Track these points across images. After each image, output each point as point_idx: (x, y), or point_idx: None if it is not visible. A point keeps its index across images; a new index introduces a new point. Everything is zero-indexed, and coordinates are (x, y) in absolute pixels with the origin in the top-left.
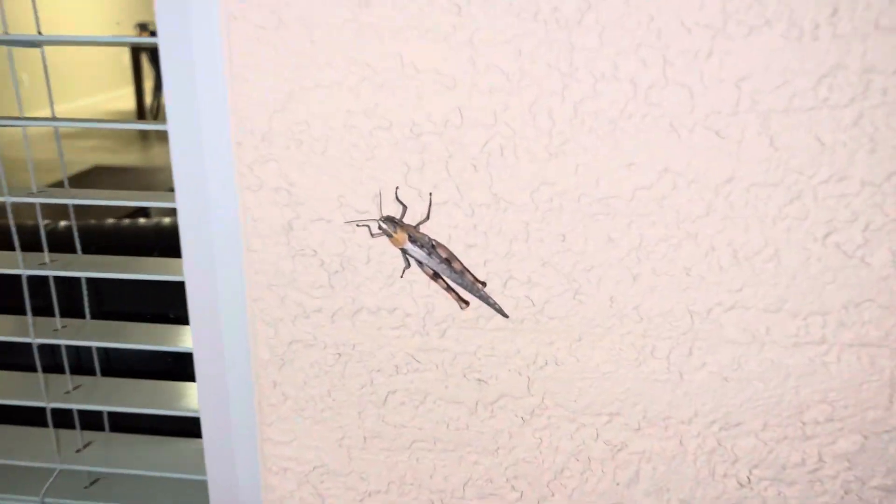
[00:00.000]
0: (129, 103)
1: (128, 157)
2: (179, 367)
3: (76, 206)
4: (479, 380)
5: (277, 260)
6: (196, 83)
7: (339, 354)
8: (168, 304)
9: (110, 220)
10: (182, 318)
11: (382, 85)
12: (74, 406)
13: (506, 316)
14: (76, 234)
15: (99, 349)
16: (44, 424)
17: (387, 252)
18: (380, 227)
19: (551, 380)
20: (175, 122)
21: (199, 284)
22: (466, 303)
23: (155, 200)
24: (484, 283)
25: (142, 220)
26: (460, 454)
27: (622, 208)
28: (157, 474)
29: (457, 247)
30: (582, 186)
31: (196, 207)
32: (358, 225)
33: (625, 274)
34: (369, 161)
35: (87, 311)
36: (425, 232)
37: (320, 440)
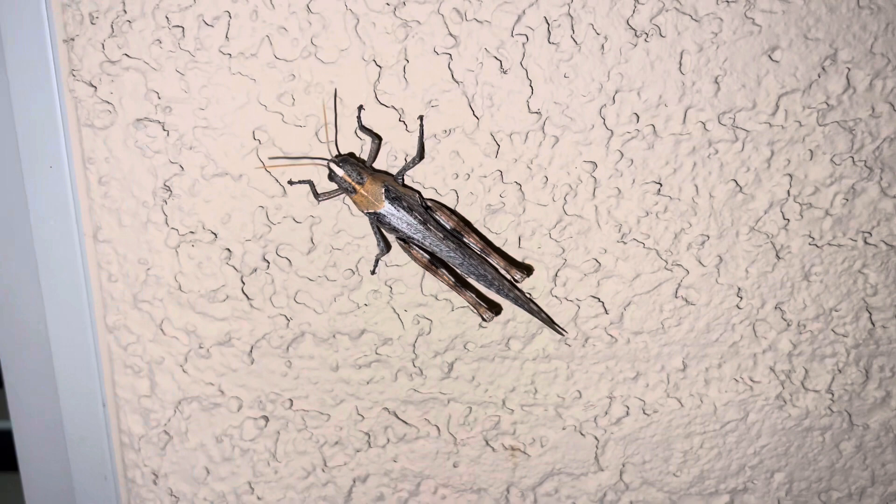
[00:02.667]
0: None
1: None
2: None
3: None
4: (513, 448)
5: (148, 253)
6: None
7: (267, 419)
8: None
9: None
10: None
11: None
12: None
13: (562, 333)
14: None
15: None
16: None
17: (345, 231)
18: (331, 177)
19: (636, 442)
20: None
21: (9, 308)
22: (493, 311)
23: None
24: (526, 273)
25: None
26: None
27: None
28: None
29: (473, 211)
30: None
31: None
32: (293, 182)
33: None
34: (308, 59)
35: None
36: (414, 186)
37: None
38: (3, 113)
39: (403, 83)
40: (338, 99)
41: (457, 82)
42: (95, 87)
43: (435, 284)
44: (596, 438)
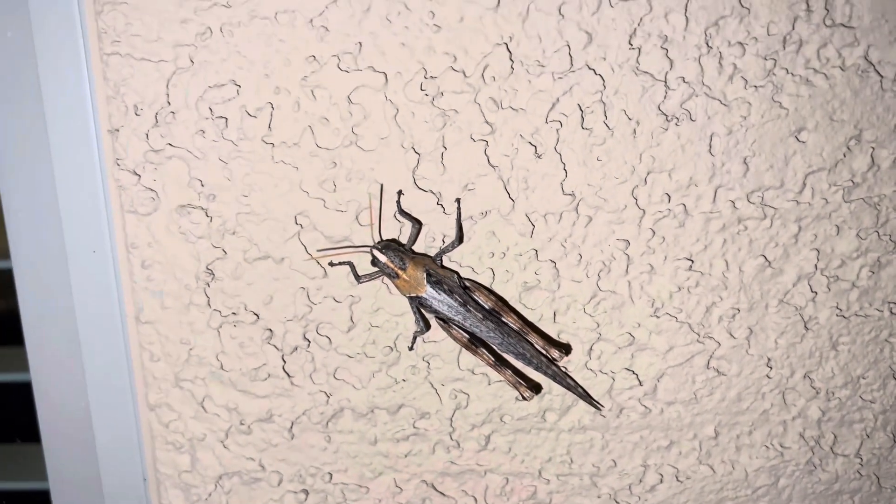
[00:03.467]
0: None
1: None
2: None
3: None
4: None
5: (190, 334)
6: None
7: (307, 493)
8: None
9: None
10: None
11: (362, 7)
12: None
13: (598, 407)
14: None
15: None
16: None
17: (383, 308)
18: (374, 262)
19: None
20: None
21: (53, 386)
22: (532, 389)
23: None
24: (564, 352)
25: None
26: None
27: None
28: None
29: (509, 289)
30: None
31: (40, 252)
32: (334, 263)
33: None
34: (350, 147)
35: None
36: (453, 266)
37: None
38: (49, 199)
39: (441, 168)
40: (379, 186)
41: (493, 167)
42: (139, 176)
43: (471, 359)
44: None
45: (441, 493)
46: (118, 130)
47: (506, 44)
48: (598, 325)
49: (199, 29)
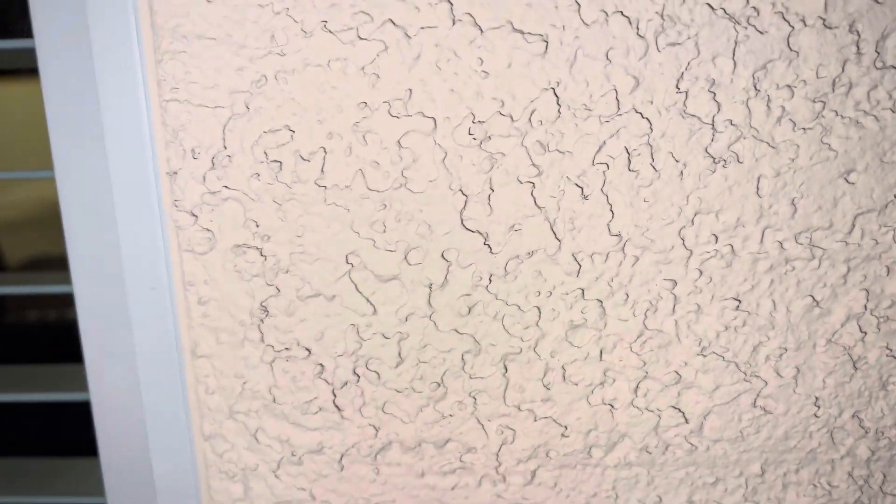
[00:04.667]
0: None
1: None
2: None
3: None
4: None
5: (244, 368)
6: (101, 77)
7: None
8: (70, 436)
9: None
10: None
11: (413, 55)
12: None
13: None
14: None
15: None
16: None
17: (430, 345)
18: None
19: None
20: (62, 144)
21: (113, 418)
22: None
23: (39, 285)
24: None
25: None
26: None
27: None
28: None
29: (555, 327)
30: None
31: (101, 290)
32: None
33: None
34: (399, 189)
35: None
36: (499, 304)
37: None
38: (110, 239)
39: (488, 209)
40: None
41: (539, 207)
42: (196, 216)
43: (518, 395)
44: None
45: None
46: (176, 173)
47: (553, 88)
48: (645, 364)
49: (254, 76)
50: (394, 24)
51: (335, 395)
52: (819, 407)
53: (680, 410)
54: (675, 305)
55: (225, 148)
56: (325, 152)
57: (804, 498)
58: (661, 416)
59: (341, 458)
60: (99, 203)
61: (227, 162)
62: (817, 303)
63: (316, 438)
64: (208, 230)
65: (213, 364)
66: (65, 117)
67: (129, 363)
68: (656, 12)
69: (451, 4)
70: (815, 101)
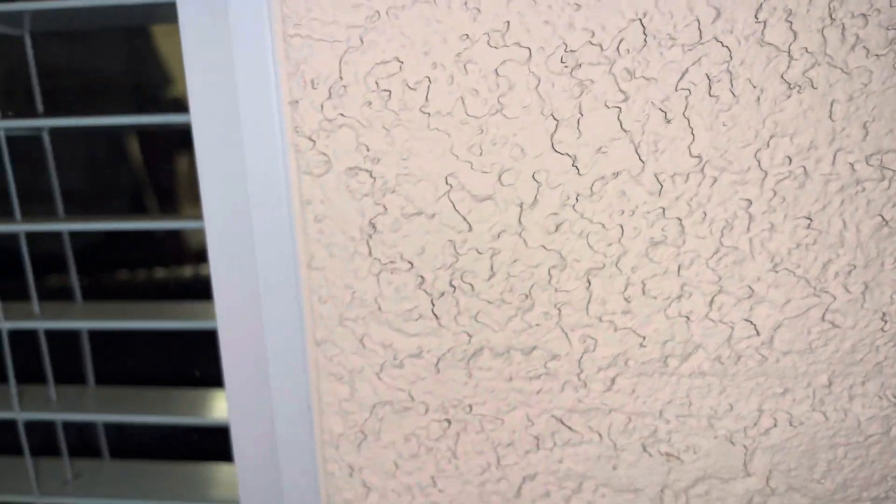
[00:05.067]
0: None
1: None
2: (211, 443)
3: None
4: (668, 454)
5: (353, 280)
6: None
7: (449, 422)
8: (195, 360)
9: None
10: (214, 379)
11: None
12: (73, 501)
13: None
14: (75, 278)
15: (106, 424)
16: None
17: (520, 260)
18: None
19: (782, 451)
20: (197, 71)
21: (235, 326)
22: None
23: (172, 221)
24: None
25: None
26: None
27: None
28: None
29: (637, 244)
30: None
31: (228, 209)
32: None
33: None
34: (495, 115)
35: (89, 374)
36: (584, 221)
37: None
38: (237, 163)
39: (577, 133)
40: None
41: (625, 131)
42: (314, 141)
43: (600, 308)
44: (745, 447)
45: (569, 427)
46: (297, 102)
47: (640, 19)
48: (720, 279)
49: (368, 12)
50: None
51: (433, 305)
52: (886, 322)
53: (752, 323)
54: (749, 224)
55: (341, 79)
56: (430, 81)
57: (869, 409)
58: (734, 328)
59: (438, 362)
60: (228, 131)
61: (342, 91)
62: (886, 222)
63: (416, 343)
64: (324, 154)
65: (326, 276)
66: (200, 56)
67: (251, 275)
68: None
69: None
70: (888, 29)
